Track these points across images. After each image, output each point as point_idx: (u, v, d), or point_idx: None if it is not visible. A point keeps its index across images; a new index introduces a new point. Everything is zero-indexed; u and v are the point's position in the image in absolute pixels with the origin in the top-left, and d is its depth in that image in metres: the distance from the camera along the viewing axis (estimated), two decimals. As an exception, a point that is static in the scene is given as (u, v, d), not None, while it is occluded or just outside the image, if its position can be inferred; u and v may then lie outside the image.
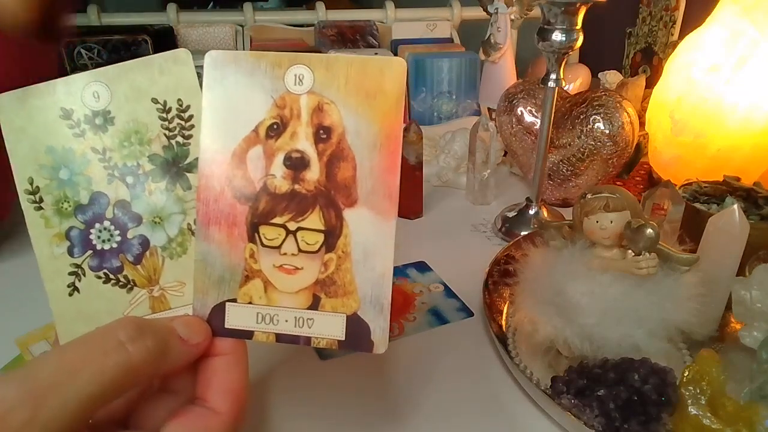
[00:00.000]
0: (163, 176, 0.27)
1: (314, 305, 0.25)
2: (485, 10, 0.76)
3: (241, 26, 0.97)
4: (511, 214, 0.61)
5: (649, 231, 0.35)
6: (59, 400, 0.18)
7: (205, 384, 0.24)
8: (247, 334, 0.25)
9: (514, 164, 0.74)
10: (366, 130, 0.25)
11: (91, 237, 0.27)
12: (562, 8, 0.47)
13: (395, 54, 0.92)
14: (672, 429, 0.33)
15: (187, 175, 0.27)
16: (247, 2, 0.97)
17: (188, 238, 0.27)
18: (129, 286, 0.27)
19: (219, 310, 0.25)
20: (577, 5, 0.47)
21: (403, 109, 0.25)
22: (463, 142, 0.69)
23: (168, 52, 0.26)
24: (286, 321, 0.25)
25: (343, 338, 0.25)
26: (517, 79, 0.78)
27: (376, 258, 0.25)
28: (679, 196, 0.47)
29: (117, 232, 0.27)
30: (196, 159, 0.26)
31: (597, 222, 0.36)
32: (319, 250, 0.25)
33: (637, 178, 0.71)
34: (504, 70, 0.78)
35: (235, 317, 0.25)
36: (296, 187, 0.25)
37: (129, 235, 0.27)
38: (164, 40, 0.91)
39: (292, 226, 0.25)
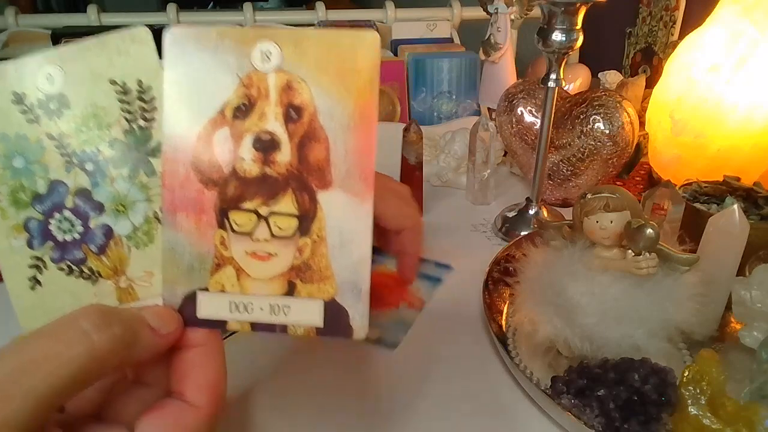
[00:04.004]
0: (125, 162, 0.25)
1: (290, 292, 0.24)
2: (485, 10, 0.76)
3: (241, 26, 0.97)
4: (511, 214, 0.61)
5: (649, 231, 0.35)
6: (19, 395, 0.18)
7: (180, 377, 0.23)
8: (221, 324, 0.24)
9: (514, 164, 0.74)
10: (339, 109, 0.23)
11: (51, 228, 0.26)
12: (562, 8, 0.47)
13: (395, 54, 0.92)
14: (672, 429, 0.33)
15: (151, 160, 0.26)
16: (247, 2, 0.97)
17: (155, 226, 0.26)
18: (94, 277, 0.26)
19: (190, 299, 0.24)
20: (577, 5, 0.47)
21: (377, 88, 0.23)
22: (463, 142, 0.69)
23: (125, 29, 0.25)
24: (261, 309, 0.24)
25: (322, 325, 0.24)
26: (517, 79, 0.78)
27: (353, 242, 0.24)
28: (679, 196, 0.47)
29: (78, 222, 0.26)
30: (160, 143, 0.25)
31: (597, 222, 0.36)
32: (293, 235, 0.24)
33: (637, 178, 0.71)
34: (504, 70, 0.78)
35: (208, 306, 0.24)
36: (267, 170, 0.24)
37: (91, 225, 0.26)
38: (164, 40, 0.91)
39: (263, 210, 0.24)
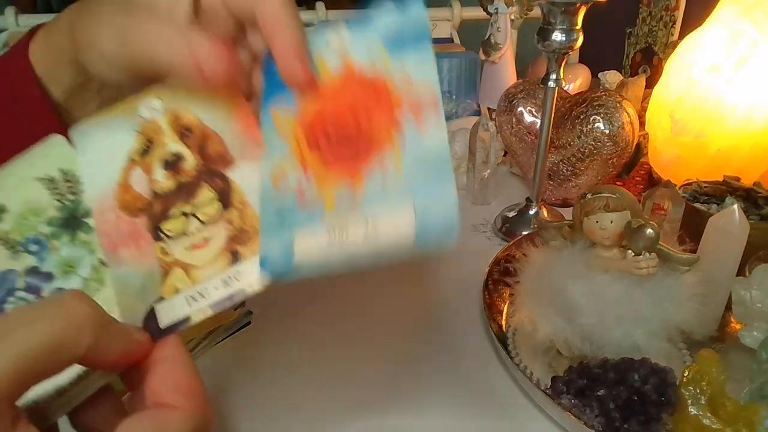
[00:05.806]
0: (64, 231, 0.28)
1: (235, 260, 0.26)
2: (485, 10, 0.76)
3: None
4: (511, 214, 0.61)
5: (649, 231, 0.35)
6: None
7: (155, 390, 0.23)
8: (185, 323, 0.25)
9: (514, 164, 0.74)
10: (215, 111, 0.28)
11: (8, 310, 0.27)
12: (562, 8, 0.47)
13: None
14: (672, 429, 0.33)
15: (85, 220, 0.28)
16: (247, 2, 0.97)
17: (102, 270, 0.27)
18: None
19: (150, 316, 0.26)
20: (577, 5, 0.47)
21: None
22: (463, 142, 0.69)
23: (42, 141, 0.28)
24: (216, 288, 0.26)
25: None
26: (517, 79, 0.78)
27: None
28: (679, 196, 0.47)
29: (32, 296, 0.27)
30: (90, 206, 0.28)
31: (597, 222, 0.36)
32: (219, 214, 0.27)
33: (637, 178, 0.71)
34: (504, 70, 0.78)
35: (167, 313, 0.26)
36: (180, 179, 0.27)
37: (44, 294, 0.27)
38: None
39: (188, 209, 0.27)
